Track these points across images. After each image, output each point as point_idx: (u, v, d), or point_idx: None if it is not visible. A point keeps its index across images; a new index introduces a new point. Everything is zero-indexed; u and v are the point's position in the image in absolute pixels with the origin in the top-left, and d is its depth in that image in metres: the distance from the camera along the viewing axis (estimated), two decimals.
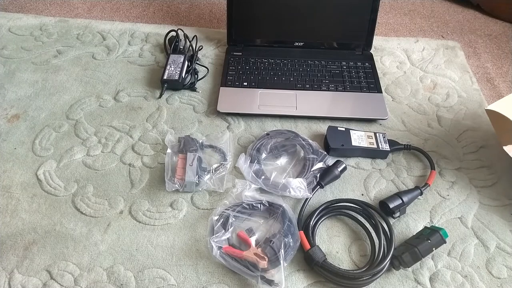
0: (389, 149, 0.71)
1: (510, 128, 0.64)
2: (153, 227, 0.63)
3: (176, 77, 0.83)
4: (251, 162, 0.69)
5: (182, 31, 0.94)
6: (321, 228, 0.63)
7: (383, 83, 0.87)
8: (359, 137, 0.73)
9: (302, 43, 0.91)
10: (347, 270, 0.57)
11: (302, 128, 0.78)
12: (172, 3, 1.13)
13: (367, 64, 0.88)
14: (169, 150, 0.70)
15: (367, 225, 0.63)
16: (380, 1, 0.86)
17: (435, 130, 0.79)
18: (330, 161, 0.70)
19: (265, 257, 0.56)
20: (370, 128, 0.79)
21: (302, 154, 0.72)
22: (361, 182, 0.70)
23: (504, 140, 0.66)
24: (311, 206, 0.65)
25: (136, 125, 0.78)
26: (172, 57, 0.87)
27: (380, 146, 0.72)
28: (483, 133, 0.78)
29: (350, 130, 0.74)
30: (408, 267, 0.58)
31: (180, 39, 0.92)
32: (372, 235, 0.61)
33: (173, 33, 0.93)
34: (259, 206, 0.63)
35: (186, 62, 0.86)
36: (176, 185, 0.65)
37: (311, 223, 0.61)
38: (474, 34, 1.05)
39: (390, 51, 0.96)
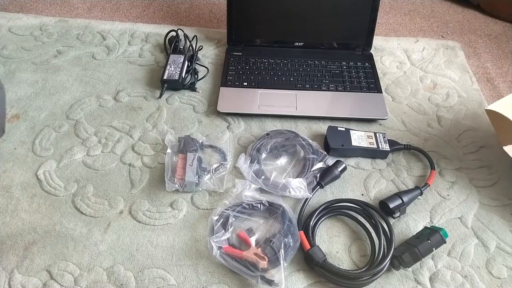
0: (389, 149, 0.71)
1: (510, 128, 0.64)
2: (153, 227, 0.63)
3: (176, 77, 0.83)
4: (251, 162, 0.69)
5: (182, 31, 0.94)
6: (321, 228, 0.63)
7: (383, 83, 0.87)
8: (359, 137, 0.73)
9: (302, 43, 0.91)
10: (347, 270, 0.57)
11: (302, 128, 0.78)
12: (172, 3, 1.13)
13: (367, 64, 0.88)
14: (169, 150, 0.70)
15: (367, 225, 0.63)
16: (380, 1, 0.86)
17: (435, 130, 0.79)
18: (330, 161, 0.70)
19: (265, 257, 0.56)
20: (370, 128, 0.79)
21: (302, 154, 0.72)
22: (361, 182, 0.70)
23: (504, 140, 0.66)
24: (311, 206, 0.65)
25: (136, 125, 0.78)
26: (172, 57, 0.87)
27: (380, 146, 0.72)
28: (483, 133, 0.78)
29: (350, 130, 0.74)
30: (408, 267, 0.58)
31: (180, 39, 0.92)
32: (372, 235, 0.61)
33: (173, 33, 0.93)
34: (259, 206, 0.63)
35: (186, 62, 0.86)
36: (176, 185, 0.65)
37: (311, 223, 0.61)
38: (474, 34, 1.05)
39: (390, 51, 0.96)
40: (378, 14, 0.87)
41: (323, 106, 0.80)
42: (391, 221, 0.64)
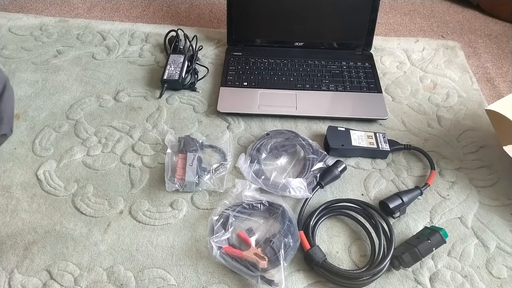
0: (389, 149, 0.71)
1: (510, 128, 0.64)
2: (153, 227, 0.63)
3: (176, 77, 0.83)
4: (251, 162, 0.69)
5: (182, 31, 0.94)
6: (321, 228, 0.63)
7: (383, 83, 0.87)
8: (359, 137, 0.73)
9: (302, 43, 0.91)
10: (347, 270, 0.57)
11: (302, 128, 0.78)
12: (172, 3, 1.13)
13: (367, 64, 0.88)
14: (169, 150, 0.70)
15: (367, 225, 0.63)
16: (380, 1, 0.86)
17: (435, 130, 0.79)
18: (330, 161, 0.70)
19: (265, 257, 0.56)
20: (370, 128, 0.79)
21: (302, 154, 0.72)
22: (361, 182, 0.70)
23: (504, 140, 0.66)
24: (311, 206, 0.65)
25: (136, 125, 0.78)
26: (172, 57, 0.87)
27: (380, 146, 0.72)
28: (483, 133, 0.78)
29: (350, 130, 0.74)
30: (408, 267, 0.58)
31: (180, 39, 0.92)
32: (372, 235, 0.61)
33: (173, 33, 0.93)
34: (259, 206, 0.63)
35: (186, 62, 0.86)
36: (176, 185, 0.65)
37: (311, 223, 0.61)
38: (474, 34, 1.05)
39: (390, 51, 0.96)
40: (378, 14, 0.87)
41: (323, 106, 0.80)
42: (391, 221, 0.64)
